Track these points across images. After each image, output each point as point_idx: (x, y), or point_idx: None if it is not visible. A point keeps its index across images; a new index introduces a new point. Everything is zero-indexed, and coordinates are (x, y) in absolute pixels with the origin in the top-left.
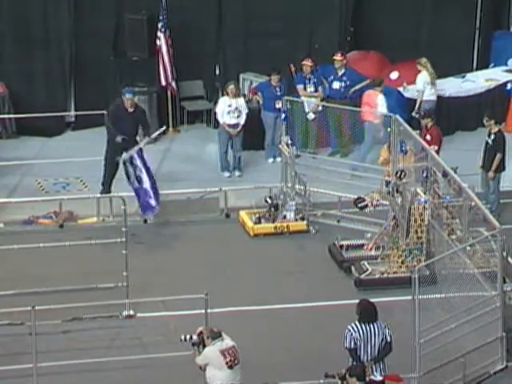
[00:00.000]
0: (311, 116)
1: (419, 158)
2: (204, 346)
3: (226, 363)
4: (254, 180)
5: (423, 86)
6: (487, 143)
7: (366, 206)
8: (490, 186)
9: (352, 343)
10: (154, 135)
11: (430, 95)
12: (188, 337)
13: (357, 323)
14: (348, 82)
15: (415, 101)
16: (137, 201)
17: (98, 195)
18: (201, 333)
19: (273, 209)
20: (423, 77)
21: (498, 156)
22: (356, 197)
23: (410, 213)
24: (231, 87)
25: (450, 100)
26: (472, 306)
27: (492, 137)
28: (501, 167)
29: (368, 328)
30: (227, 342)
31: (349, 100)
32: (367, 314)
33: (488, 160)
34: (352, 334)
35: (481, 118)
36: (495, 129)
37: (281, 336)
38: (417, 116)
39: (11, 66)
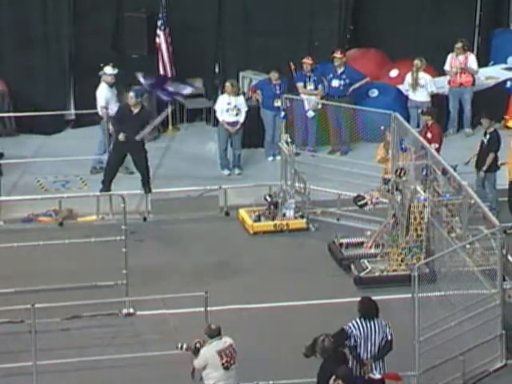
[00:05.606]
0: (311, 114)
1: (418, 155)
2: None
3: (222, 364)
4: (253, 178)
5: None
6: (483, 142)
7: (366, 203)
8: (486, 185)
9: (352, 340)
10: (158, 120)
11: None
12: (185, 346)
13: (357, 320)
14: (347, 80)
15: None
16: None
17: (98, 193)
18: (197, 343)
19: (272, 207)
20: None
21: (491, 155)
22: (355, 195)
23: (409, 211)
24: (230, 85)
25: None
26: (471, 304)
27: (487, 136)
28: (494, 167)
29: (368, 325)
30: (225, 340)
31: (348, 98)
32: (367, 310)
33: (482, 159)
34: (353, 331)
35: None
36: (491, 128)
37: (280, 334)
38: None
39: (11, 64)
